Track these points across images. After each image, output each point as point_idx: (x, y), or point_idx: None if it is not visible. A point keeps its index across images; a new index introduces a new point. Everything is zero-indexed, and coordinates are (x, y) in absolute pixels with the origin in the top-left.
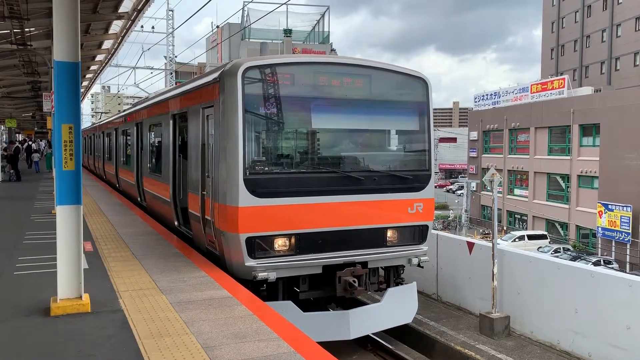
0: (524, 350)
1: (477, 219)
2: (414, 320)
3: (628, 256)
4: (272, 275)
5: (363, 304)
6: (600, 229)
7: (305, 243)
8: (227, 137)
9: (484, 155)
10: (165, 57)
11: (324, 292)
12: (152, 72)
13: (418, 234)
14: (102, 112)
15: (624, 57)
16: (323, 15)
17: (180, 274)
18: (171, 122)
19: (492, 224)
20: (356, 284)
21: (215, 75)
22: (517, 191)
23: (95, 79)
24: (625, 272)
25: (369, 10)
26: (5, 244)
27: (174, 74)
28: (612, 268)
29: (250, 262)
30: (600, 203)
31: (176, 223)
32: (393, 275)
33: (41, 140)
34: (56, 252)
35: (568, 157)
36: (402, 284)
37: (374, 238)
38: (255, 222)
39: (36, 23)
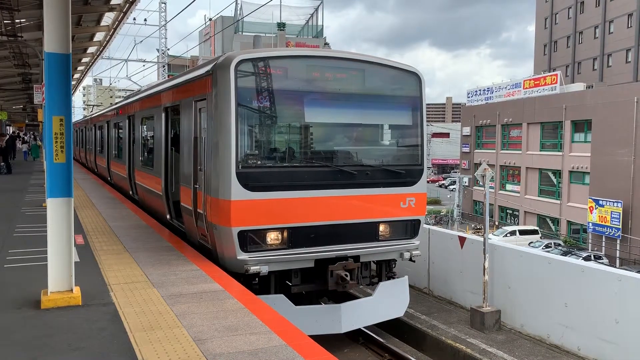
0: (514, 344)
1: (469, 214)
2: (405, 314)
3: (618, 251)
4: (264, 269)
5: (355, 297)
6: (590, 224)
7: (297, 237)
8: (220, 131)
9: (476, 151)
10: (158, 50)
11: (316, 286)
12: (144, 65)
13: (410, 229)
14: (94, 105)
15: (616, 53)
16: (317, 9)
17: (172, 267)
18: (163, 115)
19: (484, 219)
20: (348, 278)
21: (208, 68)
22: (509, 186)
23: (87, 72)
24: (615, 267)
25: (364, 5)
26: None
27: (166, 66)
28: (602, 263)
29: (242, 256)
30: (591, 199)
31: (168, 216)
32: (385, 269)
33: (31, 133)
34: (47, 245)
35: (560, 153)
36: (393, 278)
37: (366, 232)
38: (247, 215)
39: (27, 14)
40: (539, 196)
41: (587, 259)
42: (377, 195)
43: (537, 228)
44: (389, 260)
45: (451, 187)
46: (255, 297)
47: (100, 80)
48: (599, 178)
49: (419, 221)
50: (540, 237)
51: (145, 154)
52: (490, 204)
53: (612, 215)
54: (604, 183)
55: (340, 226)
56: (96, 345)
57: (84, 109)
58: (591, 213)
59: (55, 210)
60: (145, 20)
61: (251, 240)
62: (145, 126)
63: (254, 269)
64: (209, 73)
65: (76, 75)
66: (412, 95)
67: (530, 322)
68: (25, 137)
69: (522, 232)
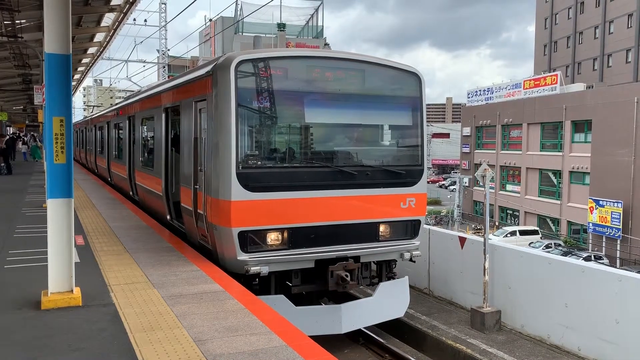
0: (515, 344)
1: (470, 215)
2: (405, 315)
3: (618, 251)
4: (264, 270)
5: (355, 298)
6: (591, 224)
7: (297, 237)
8: (220, 131)
9: (476, 151)
10: (158, 51)
11: (316, 286)
12: (144, 66)
13: (410, 229)
14: (94, 106)
15: (616, 53)
16: (317, 10)
17: (172, 267)
18: (163, 115)
19: (484, 220)
20: (348, 279)
21: (208, 68)
22: (509, 187)
23: (87, 72)
24: (616, 268)
25: (364, 5)
26: None
27: (166, 67)
28: (603, 263)
29: (242, 256)
30: (591, 199)
31: (168, 217)
32: (385, 270)
33: (31, 134)
34: (47, 245)
35: (560, 153)
36: (394, 279)
37: (367, 233)
38: (247, 216)
39: (27, 15)
40: (539, 196)
41: (587, 259)
42: (378, 195)
43: (537, 228)
44: (389, 261)
45: (451, 187)
46: (256, 298)
47: (101, 81)
48: (599, 178)
49: (419, 221)
50: (541, 238)
51: (146, 154)
52: (491, 205)
53: (613, 216)
54: (604, 183)
55: (341, 226)
56: (96, 345)
57: (85, 110)
58: (591, 213)
59: (56, 211)
60: (145, 20)
61: (251, 240)
62: (145, 127)
63: (254, 269)
64: (209, 74)
65: (76, 76)
66: (412, 96)
67: (530, 322)
68: (25, 138)
69: (523, 233)
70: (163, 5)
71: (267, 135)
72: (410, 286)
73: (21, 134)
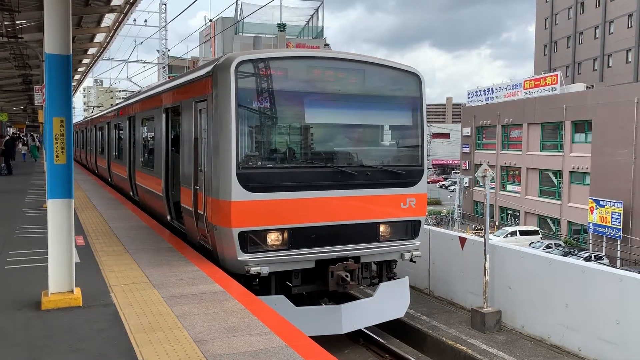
0: (515, 344)
1: (470, 215)
2: (406, 315)
3: (619, 252)
4: (264, 270)
5: (355, 298)
6: (591, 224)
7: (298, 238)
8: (220, 132)
9: (476, 151)
10: (158, 51)
11: (316, 286)
12: (144, 66)
13: (410, 229)
14: (94, 106)
15: (616, 53)
16: (317, 10)
17: (172, 268)
18: (164, 116)
19: (484, 220)
20: (349, 279)
21: (209, 69)
22: (509, 187)
23: (87, 73)
24: (616, 268)
25: (365, 5)
26: None
27: (167, 67)
28: (603, 263)
29: (242, 257)
30: (591, 199)
31: (169, 217)
32: (385, 270)
33: (30, 135)
34: (47, 246)
35: (560, 154)
36: (394, 279)
37: (367, 233)
38: (248, 216)
39: (27, 15)
40: (539, 197)
41: (587, 259)
42: (378, 195)
43: (537, 228)
44: (390, 261)
45: (452, 187)
46: (256, 298)
47: (101, 81)
48: (600, 178)
49: (419, 222)
50: (541, 238)
51: (146, 154)
52: (491, 205)
53: (613, 216)
54: (604, 183)
55: (341, 227)
56: (96, 346)
57: (85, 110)
58: (592, 213)
59: (56, 212)
60: (145, 21)
61: (252, 241)
62: (145, 127)
63: (254, 269)
64: (209, 74)
65: (77, 76)
66: (412, 96)
67: (531, 322)
68: (25, 139)
69: (523, 233)
70: (163, 6)
71: (267, 135)
72: (411, 286)
73: (21, 135)
